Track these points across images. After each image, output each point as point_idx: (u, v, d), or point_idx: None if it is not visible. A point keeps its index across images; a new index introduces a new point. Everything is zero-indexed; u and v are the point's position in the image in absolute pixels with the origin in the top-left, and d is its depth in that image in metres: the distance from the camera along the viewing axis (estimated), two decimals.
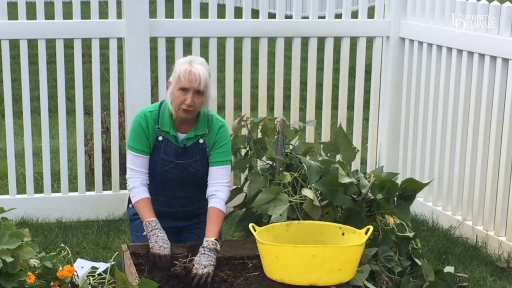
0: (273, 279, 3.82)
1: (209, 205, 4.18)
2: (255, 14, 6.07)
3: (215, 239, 4.02)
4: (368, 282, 3.90)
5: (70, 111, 6.54)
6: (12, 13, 5.66)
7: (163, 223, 4.23)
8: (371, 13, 6.27)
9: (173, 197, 4.32)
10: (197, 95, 4.09)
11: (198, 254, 3.97)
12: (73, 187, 6.11)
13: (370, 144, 6.35)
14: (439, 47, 5.76)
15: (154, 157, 4.24)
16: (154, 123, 4.20)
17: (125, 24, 5.70)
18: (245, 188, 4.40)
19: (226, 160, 4.26)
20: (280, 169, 4.27)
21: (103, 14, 5.84)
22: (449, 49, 5.67)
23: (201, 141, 4.23)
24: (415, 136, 6.06)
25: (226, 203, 4.22)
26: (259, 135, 4.49)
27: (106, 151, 6.25)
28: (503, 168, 5.30)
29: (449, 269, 4.24)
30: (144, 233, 4.13)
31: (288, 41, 6.04)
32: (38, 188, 5.97)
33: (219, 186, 4.21)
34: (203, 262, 3.92)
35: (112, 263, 4.03)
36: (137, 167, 4.24)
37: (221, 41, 6.08)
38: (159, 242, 4.01)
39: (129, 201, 4.47)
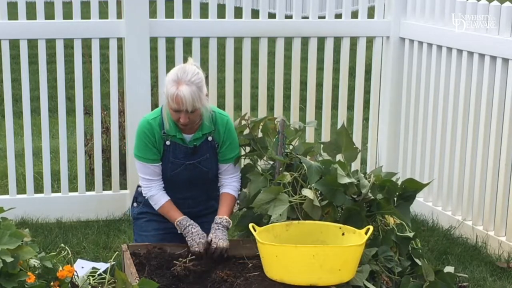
0: (273, 279, 3.82)
1: (222, 190, 4.32)
2: (255, 14, 6.07)
3: (228, 218, 4.19)
4: (368, 282, 3.90)
5: (70, 111, 6.53)
6: (12, 13, 5.65)
7: (168, 223, 4.26)
8: (371, 13, 6.27)
9: (181, 199, 4.33)
10: (189, 113, 4.08)
11: (213, 230, 4.12)
12: (73, 187, 6.11)
13: (370, 144, 6.34)
14: (439, 47, 5.76)
15: (164, 161, 4.23)
16: (160, 128, 4.19)
17: (125, 24, 5.70)
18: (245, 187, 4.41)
19: (236, 155, 4.33)
20: (280, 169, 4.27)
21: (103, 14, 5.84)
22: (449, 49, 5.67)
23: (210, 138, 4.24)
24: (415, 136, 6.06)
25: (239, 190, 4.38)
26: (260, 135, 4.49)
27: (106, 151, 6.24)
28: (503, 168, 5.30)
29: (449, 269, 4.24)
30: (179, 231, 4.19)
31: (288, 41, 6.04)
32: (38, 188, 5.97)
33: (233, 178, 4.34)
34: (219, 236, 4.08)
35: (112, 263, 4.03)
36: (148, 175, 4.25)
37: (221, 41, 6.07)
38: (196, 239, 4.09)
39: (134, 200, 4.48)
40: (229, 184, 4.32)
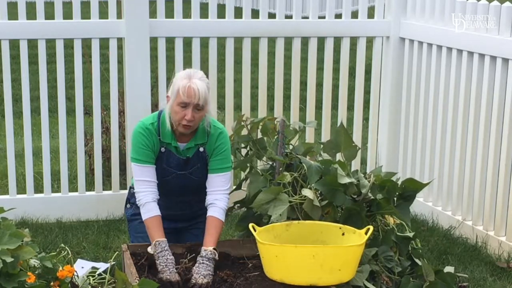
0: (273, 279, 3.83)
1: (208, 213, 4.15)
2: (255, 14, 6.07)
3: (214, 249, 4.01)
4: (368, 282, 3.90)
5: (70, 111, 6.53)
6: (12, 13, 5.66)
7: (164, 223, 4.24)
8: (371, 13, 6.27)
9: (173, 202, 4.31)
10: (196, 110, 4.04)
11: (197, 264, 3.95)
12: (73, 187, 6.11)
13: (370, 144, 6.35)
14: (439, 47, 5.76)
15: (156, 166, 4.21)
16: (156, 134, 4.18)
17: (125, 24, 5.70)
18: (245, 187, 4.40)
19: (226, 167, 4.22)
20: (280, 169, 4.27)
21: (103, 14, 5.84)
22: (449, 49, 5.67)
23: (201, 149, 4.20)
24: (415, 136, 6.06)
25: (226, 210, 4.21)
26: (259, 135, 4.49)
27: (106, 151, 6.25)
28: (503, 168, 5.30)
29: (449, 269, 4.25)
30: (149, 250, 4.05)
31: (288, 41, 6.04)
32: (38, 188, 5.97)
33: (219, 194, 4.18)
34: (202, 272, 3.91)
35: (112, 263, 4.03)
36: (146, 177, 4.14)
37: (221, 41, 6.08)
38: (170, 267, 3.93)
39: (127, 202, 4.46)
40: (213, 203, 4.15)
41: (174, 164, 4.19)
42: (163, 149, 4.18)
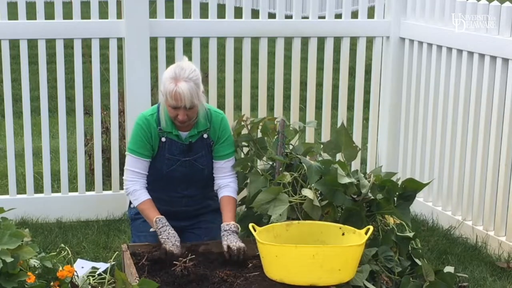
0: (273, 279, 3.83)
1: (223, 194, 4.29)
2: (255, 14, 6.07)
3: (235, 223, 4.15)
4: (368, 282, 3.91)
5: (70, 111, 6.53)
6: (12, 13, 5.65)
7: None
8: (371, 13, 6.27)
9: (178, 197, 4.35)
10: (188, 110, 4.11)
11: (224, 237, 4.07)
12: (73, 187, 6.11)
13: (370, 144, 6.34)
14: (439, 47, 5.76)
15: (159, 158, 4.25)
16: (156, 125, 4.22)
17: (125, 24, 5.70)
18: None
19: (232, 152, 4.34)
20: (280, 169, 4.27)
21: (103, 14, 5.84)
22: (449, 49, 5.67)
23: (205, 136, 4.26)
24: (415, 136, 6.06)
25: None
26: (259, 135, 4.49)
27: (106, 151, 6.25)
28: (503, 168, 5.30)
29: (449, 269, 4.25)
30: (152, 229, 4.15)
31: (288, 41, 6.04)
32: (38, 188, 5.97)
33: (230, 178, 4.33)
34: (234, 239, 4.05)
35: (112, 263, 4.04)
36: (137, 168, 4.25)
37: (221, 41, 6.08)
38: (171, 239, 4.05)
39: (130, 201, 4.47)
40: (227, 185, 4.30)
41: (177, 151, 4.24)
42: (163, 139, 4.22)
